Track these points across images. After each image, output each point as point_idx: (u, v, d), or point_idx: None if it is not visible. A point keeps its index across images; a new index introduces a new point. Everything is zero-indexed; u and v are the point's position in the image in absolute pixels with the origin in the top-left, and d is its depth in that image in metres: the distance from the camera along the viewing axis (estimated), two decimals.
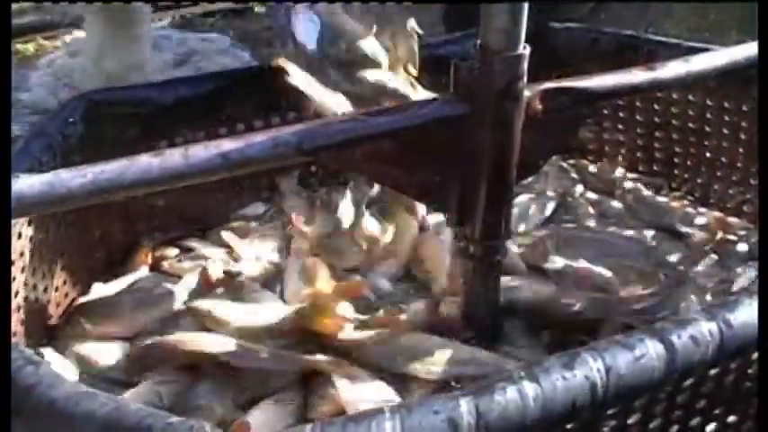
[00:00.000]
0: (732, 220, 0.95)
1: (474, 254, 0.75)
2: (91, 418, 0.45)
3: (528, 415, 0.45)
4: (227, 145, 0.61)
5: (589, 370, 0.47)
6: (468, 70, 0.67)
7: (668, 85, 0.76)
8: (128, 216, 0.94)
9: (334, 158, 0.67)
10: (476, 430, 0.43)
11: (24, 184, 0.57)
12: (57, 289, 0.83)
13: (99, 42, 1.58)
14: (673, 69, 0.75)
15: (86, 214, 0.88)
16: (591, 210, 0.99)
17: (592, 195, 1.03)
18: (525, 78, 0.67)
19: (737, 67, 0.77)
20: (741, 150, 0.95)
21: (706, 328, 0.50)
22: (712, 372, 0.52)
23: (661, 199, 1.00)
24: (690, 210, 0.98)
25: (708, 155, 0.99)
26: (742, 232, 0.92)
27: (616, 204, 1.00)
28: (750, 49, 0.78)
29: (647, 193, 1.01)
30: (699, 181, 1.00)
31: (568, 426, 0.47)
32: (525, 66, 0.66)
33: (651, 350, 0.48)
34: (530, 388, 0.45)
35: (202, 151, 0.61)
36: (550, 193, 1.00)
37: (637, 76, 0.74)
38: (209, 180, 0.63)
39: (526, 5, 0.64)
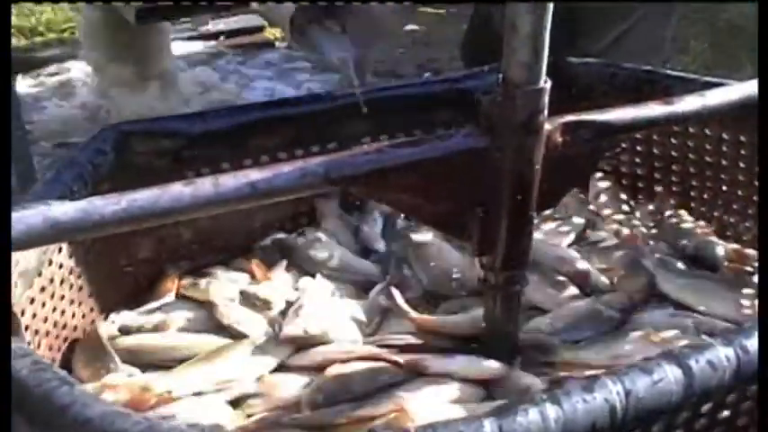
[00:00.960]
0: (749, 251, 0.96)
1: (495, 283, 0.77)
2: None
3: None
4: (256, 174, 0.63)
5: (609, 393, 0.48)
6: (491, 103, 0.68)
7: (685, 118, 0.78)
8: (154, 246, 0.96)
9: (361, 188, 0.69)
10: None
11: (59, 210, 0.59)
12: (84, 316, 0.85)
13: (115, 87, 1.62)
14: (689, 103, 0.76)
15: (114, 243, 0.90)
16: (614, 240, 1.00)
17: (613, 226, 1.04)
18: (546, 111, 0.69)
19: (752, 101, 0.78)
20: (756, 184, 0.96)
21: (723, 354, 0.51)
22: (730, 398, 0.53)
23: (686, 226, 1.01)
24: (712, 238, 0.99)
25: (724, 188, 1.00)
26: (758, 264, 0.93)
27: (640, 231, 1.01)
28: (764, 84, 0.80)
29: (672, 221, 1.02)
30: (715, 214, 1.01)
31: None
32: (546, 99, 0.68)
33: (669, 374, 0.49)
34: (551, 410, 0.47)
35: (232, 180, 0.63)
36: (575, 220, 1.02)
37: (654, 109, 0.76)
38: (237, 208, 0.65)
39: (548, 39, 0.66)
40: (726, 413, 0.55)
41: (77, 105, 1.75)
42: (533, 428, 0.46)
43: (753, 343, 0.52)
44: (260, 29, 2.21)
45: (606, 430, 0.47)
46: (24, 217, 0.58)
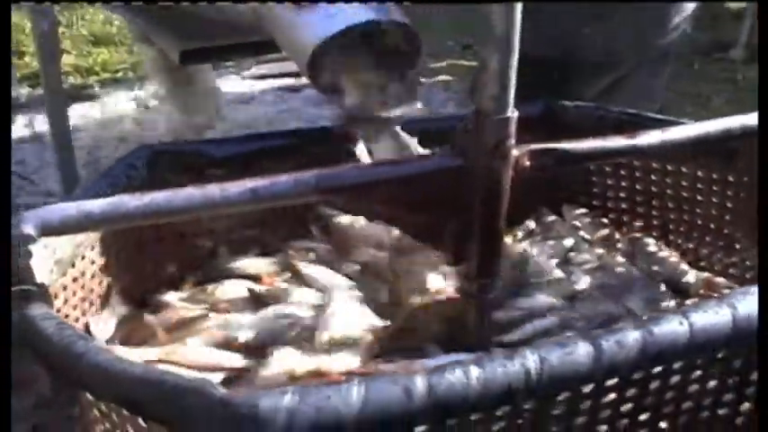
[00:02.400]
0: (719, 280, 1.04)
1: (469, 291, 0.86)
2: (126, 374, 0.57)
3: (471, 391, 0.55)
4: (257, 183, 0.75)
5: (525, 360, 0.57)
6: (463, 130, 0.79)
7: (645, 151, 0.88)
8: (174, 257, 1.07)
9: (347, 198, 0.80)
10: (426, 398, 0.54)
11: (92, 204, 0.71)
12: (98, 308, 0.95)
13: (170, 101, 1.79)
14: (649, 138, 0.86)
15: (140, 251, 1.02)
16: (596, 262, 1.08)
17: (599, 251, 1.12)
18: (513, 139, 0.79)
19: (708, 137, 0.88)
20: (728, 218, 1.05)
21: (631, 336, 0.60)
22: (636, 375, 0.61)
23: (663, 254, 1.09)
24: (685, 267, 1.07)
25: (699, 222, 1.09)
26: (726, 291, 1.01)
27: (619, 259, 1.09)
28: (723, 123, 0.89)
29: (651, 249, 1.10)
30: (690, 246, 1.10)
31: (508, 406, 0.57)
32: (513, 127, 0.78)
33: (581, 349, 0.58)
34: (475, 371, 0.56)
35: (236, 186, 0.74)
36: (564, 243, 1.10)
37: (616, 141, 0.86)
38: (241, 210, 0.76)
39: (514, 76, 0.76)
40: (632, 391, 0.64)
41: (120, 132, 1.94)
42: (457, 384, 0.55)
43: (660, 328, 0.61)
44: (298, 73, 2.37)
45: (522, 391, 0.57)
46: (61, 208, 0.71)
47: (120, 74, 2.46)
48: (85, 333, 0.65)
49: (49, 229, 0.70)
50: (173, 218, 0.74)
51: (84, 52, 2.56)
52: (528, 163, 0.82)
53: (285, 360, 0.81)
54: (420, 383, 0.55)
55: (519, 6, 0.74)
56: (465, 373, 0.56)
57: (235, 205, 0.75)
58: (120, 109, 2.09)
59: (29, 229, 0.69)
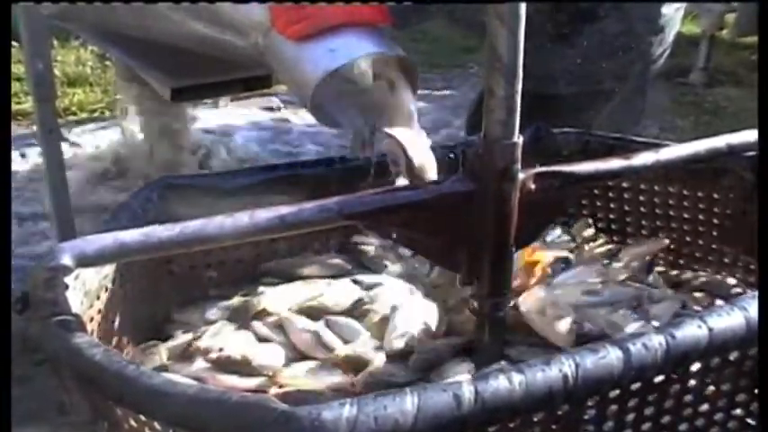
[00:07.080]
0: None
1: (482, 309, 0.90)
2: (182, 394, 0.59)
3: (515, 395, 0.59)
4: (284, 210, 0.78)
5: (562, 365, 0.61)
6: (474, 155, 0.83)
7: (639, 171, 0.92)
8: (182, 291, 1.09)
9: (368, 223, 0.83)
10: (474, 403, 0.57)
11: (126, 234, 0.74)
12: (128, 342, 0.97)
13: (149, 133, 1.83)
14: (643, 158, 0.91)
15: (150, 290, 1.04)
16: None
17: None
18: (520, 162, 0.83)
19: (697, 157, 0.93)
20: (715, 234, 1.10)
21: (656, 340, 0.64)
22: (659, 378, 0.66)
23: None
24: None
25: (687, 239, 1.14)
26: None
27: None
28: (710, 143, 0.95)
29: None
30: (680, 261, 1.15)
31: (548, 408, 0.61)
32: (519, 152, 0.82)
33: (612, 354, 0.62)
34: (517, 377, 0.60)
35: (264, 213, 0.77)
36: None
37: (613, 163, 0.91)
38: (270, 237, 0.79)
39: (519, 102, 0.81)
40: (654, 395, 0.68)
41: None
42: (502, 389, 0.59)
43: (681, 332, 0.65)
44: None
45: (561, 393, 0.60)
46: (99, 239, 0.73)
47: (97, 113, 2.48)
48: None
49: (86, 260, 0.72)
50: (203, 246, 0.77)
51: (58, 93, 2.57)
52: (534, 185, 0.86)
53: None
54: (467, 390, 0.58)
55: (522, 35, 0.79)
56: (508, 379, 0.59)
57: (263, 232, 0.78)
58: (100, 147, 2.11)
59: (66, 260, 0.71)
